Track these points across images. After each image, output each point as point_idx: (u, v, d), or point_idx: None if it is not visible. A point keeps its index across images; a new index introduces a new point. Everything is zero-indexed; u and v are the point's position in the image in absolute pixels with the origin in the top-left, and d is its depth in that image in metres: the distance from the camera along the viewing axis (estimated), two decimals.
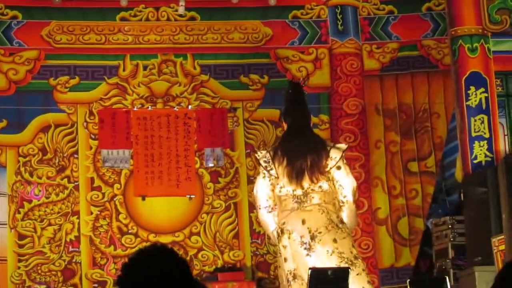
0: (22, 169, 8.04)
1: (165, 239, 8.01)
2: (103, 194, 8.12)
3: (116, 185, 8.14)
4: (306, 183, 5.50)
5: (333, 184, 5.54)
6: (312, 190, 5.50)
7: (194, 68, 8.37)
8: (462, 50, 7.71)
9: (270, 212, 5.62)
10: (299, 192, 5.50)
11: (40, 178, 8.06)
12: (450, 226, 7.61)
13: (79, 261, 8.01)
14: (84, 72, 8.26)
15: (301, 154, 5.55)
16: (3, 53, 8.17)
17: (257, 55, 8.42)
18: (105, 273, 8.01)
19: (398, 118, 8.40)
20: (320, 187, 5.48)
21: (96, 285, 8.01)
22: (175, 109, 8.25)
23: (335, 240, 5.37)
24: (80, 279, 7.98)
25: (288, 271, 5.44)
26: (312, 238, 5.41)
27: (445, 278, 6.80)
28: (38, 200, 8.04)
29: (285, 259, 5.45)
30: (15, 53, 8.17)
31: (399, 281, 8.06)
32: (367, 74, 8.43)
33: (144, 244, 7.92)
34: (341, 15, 8.44)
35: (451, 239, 7.58)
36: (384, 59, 8.48)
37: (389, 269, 8.21)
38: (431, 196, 8.35)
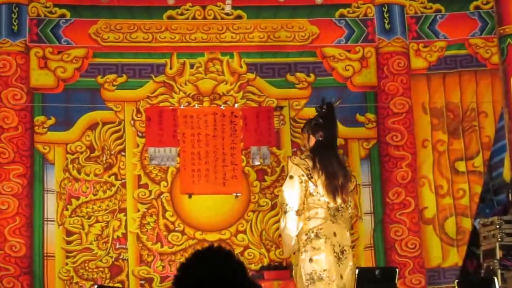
0: (70, 166, 8.12)
1: (211, 237, 8.11)
2: (150, 191, 8.19)
3: (163, 183, 8.20)
4: (339, 199, 6.07)
5: None
6: (342, 207, 6.08)
7: (241, 66, 8.42)
8: (511, 49, 7.72)
9: (298, 215, 6.01)
10: (332, 205, 6.04)
11: (87, 175, 8.13)
12: (497, 226, 7.62)
13: (126, 258, 8.07)
14: (131, 70, 8.33)
15: (335, 171, 6.13)
16: (51, 51, 8.25)
17: (304, 54, 8.44)
18: (151, 270, 8.06)
19: (446, 117, 8.41)
20: (347, 206, 6.10)
21: (143, 281, 8.06)
22: (222, 107, 8.31)
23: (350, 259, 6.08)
24: (127, 275, 8.04)
25: (313, 271, 5.85)
26: (341, 252, 6.02)
27: (494, 278, 6.89)
28: (86, 197, 8.11)
29: (311, 260, 5.88)
30: (63, 51, 8.26)
31: (446, 281, 8.13)
32: (414, 73, 8.44)
33: (191, 241, 8.13)
34: (388, 14, 8.45)
35: (499, 239, 7.59)
36: (431, 58, 8.49)
37: (436, 269, 8.23)
38: (479, 196, 8.35)
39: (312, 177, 6.05)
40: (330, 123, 6.35)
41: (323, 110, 6.39)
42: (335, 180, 6.10)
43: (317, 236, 5.98)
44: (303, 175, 6.07)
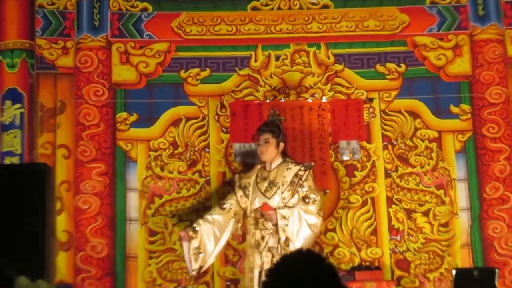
0: (153, 163, 8.11)
1: None
2: None
3: None
4: None
5: None
6: None
7: (328, 57, 8.35)
8: None
9: None
10: None
11: (171, 172, 8.11)
12: None
13: None
14: (215, 64, 8.31)
15: None
16: (133, 46, 8.28)
17: (394, 43, 8.33)
18: (238, 270, 7.99)
19: None
20: None
21: (228, 283, 8.00)
22: (309, 100, 8.22)
23: None
24: (212, 277, 7.98)
25: None
26: None
27: None
28: (169, 196, 8.09)
29: None
30: (145, 45, 8.27)
31: None
32: (511, 61, 8.29)
33: None
34: (481, 0, 8.33)
35: None
36: None
37: None
38: None
39: None
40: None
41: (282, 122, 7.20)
42: None
43: None
44: None
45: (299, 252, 2.74)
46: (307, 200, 6.92)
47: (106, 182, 8.02)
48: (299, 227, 6.78)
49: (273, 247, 6.83)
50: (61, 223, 7.83)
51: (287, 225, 6.78)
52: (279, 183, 7.02)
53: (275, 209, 6.85)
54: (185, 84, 8.28)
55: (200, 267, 6.95)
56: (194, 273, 6.96)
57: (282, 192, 6.99)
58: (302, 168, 7.04)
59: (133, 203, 8.06)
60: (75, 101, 8.08)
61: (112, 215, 8.00)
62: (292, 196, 6.95)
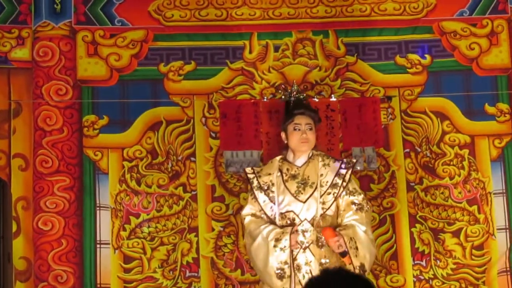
0: (128, 176, 7.74)
1: None
2: (227, 206, 7.76)
3: (243, 195, 7.76)
4: None
5: None
6: None
7: (338, 47, 7.93)
8: None
9: None
10: None
11: (149, 186, 7.74)
12: None
13: None
14: (202, 55, 7.91)
15: None
16: (102, 35, 7.89)
17: (417, 30, 7.94)
18: None
19: None
20: None
21: None
22: (315, 99, 7.79)
23: None
24: None
25: None
26: None
27: None
28: (148, 214, 7.73)
29: None
30: (117, 34, 7.89)
31: None
32: None
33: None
34: None
35: None
36: None
37: None
38: None
39: None
40: None
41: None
42: None
43: None
44: None
45: (325, 272, 2.65)
46: (358, 208, 6.49)
47: (71, 198, 7.69)
48: (367, 246, 6.33)
49: (303, 265, 6.25)
50: (18, 248, 7.58)
51: (357, 248, 6.25)
52: (315, 183, 6.54)
53: (339, 233, 6.23)
54: (166, 80, 7.88)
55: None
56: None
57: (321, 195, 6.48)
58: (343, 166, 6.59)
59: (104, 223, 7.73)
60: (32, 102, 7.79)
61: (79, 238, 7.67)
62: (334, 201, 6.47)
